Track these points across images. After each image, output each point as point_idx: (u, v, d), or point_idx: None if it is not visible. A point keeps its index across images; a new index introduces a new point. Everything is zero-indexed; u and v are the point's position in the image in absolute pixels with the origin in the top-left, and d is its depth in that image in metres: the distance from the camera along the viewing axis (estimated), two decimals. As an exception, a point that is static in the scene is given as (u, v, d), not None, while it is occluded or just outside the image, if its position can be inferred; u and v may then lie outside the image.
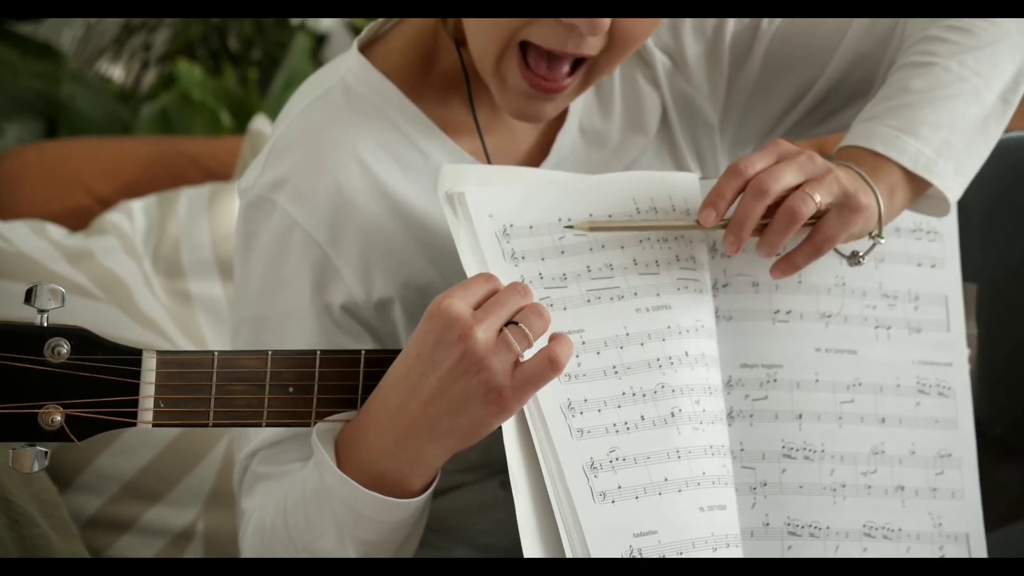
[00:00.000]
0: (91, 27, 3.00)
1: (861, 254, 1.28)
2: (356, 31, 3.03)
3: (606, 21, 1.21)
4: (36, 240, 1.87)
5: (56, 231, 1.90)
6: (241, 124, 2.43)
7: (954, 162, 1.28)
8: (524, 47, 1.25)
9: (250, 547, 1.30)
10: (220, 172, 2.03)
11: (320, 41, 3.07)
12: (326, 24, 3.13)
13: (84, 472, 1.79)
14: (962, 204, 1.35)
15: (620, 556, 1.18)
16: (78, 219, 1.95)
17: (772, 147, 1.24)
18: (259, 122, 2.04)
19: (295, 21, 2.97)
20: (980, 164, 1.31)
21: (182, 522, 1.81)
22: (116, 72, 3.01)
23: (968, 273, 1.37)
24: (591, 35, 1.22)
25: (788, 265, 1.24)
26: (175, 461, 1.81)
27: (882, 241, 1.26)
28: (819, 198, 1.21)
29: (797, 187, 1.21)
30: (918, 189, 1.28)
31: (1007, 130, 1.44)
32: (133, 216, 1.94)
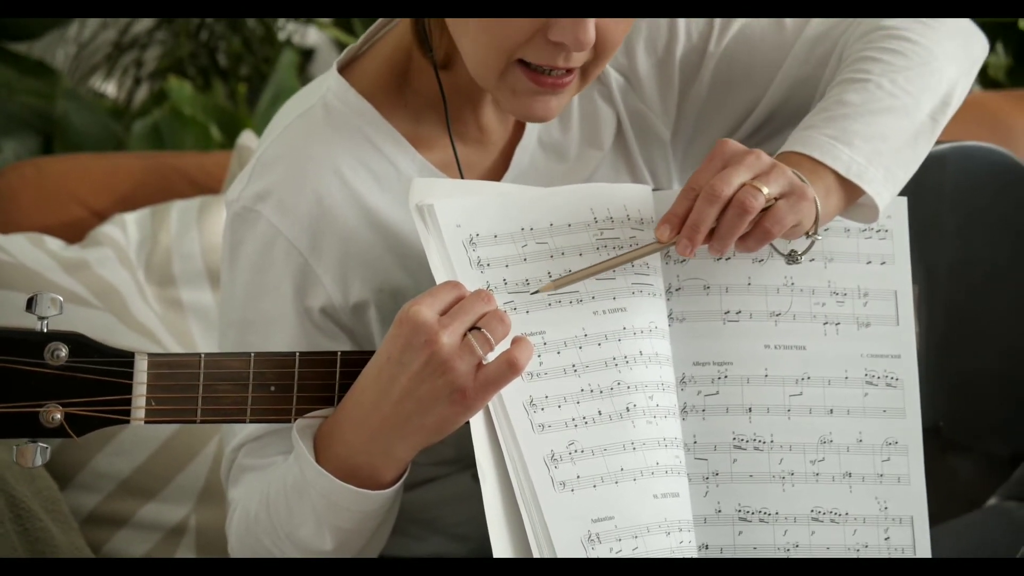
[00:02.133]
0: (84, 45, 3.04)
1: (800, 252, 1.33)
2: (340, 46, 3.08)
3: (591, 37, 1.27)
4: (35, 252, 1.90)
5: (54, 243, 1.93)
6: (230, 138, 2.45)
7: (884, 171, 1.33)
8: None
9: (236, 534, 1.36)
10: (209, 186, 2.06)
11: (306, 57, 3.11)
12: (312, 41, 3.19)
13: (82, 471, 1.83)
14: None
15: (579, 540, 1.24)
16: (74, 231, 1.98)
17: (718, 151, 1.29)
18: (246, 137, 2.07)
19: (281, 38, 3.02)
20: (909, 176, 1.36)
21: (175, 517, 1.84)
22: (109, 88, 3.05)
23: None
24: (578, 51, 1.29)
25: (742, 246, 1.28)
26: (168, 460, 1.85)
27: (819, 238, 1.31)
28: (767, 190, 1.26)
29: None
30: (851, 195, 1.34)
31: (948, 140, 1.52)
32: (127, 228, 1.97)
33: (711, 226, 1.26)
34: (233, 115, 2.54)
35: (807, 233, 1.31)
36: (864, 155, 1.33)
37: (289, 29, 3.17)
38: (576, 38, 1.27)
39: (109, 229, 1.97)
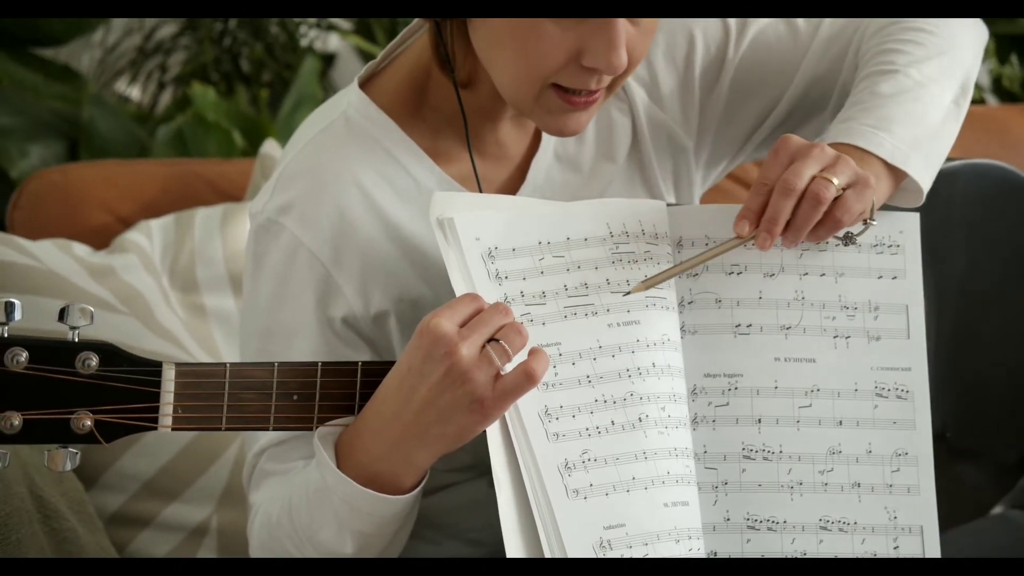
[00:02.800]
0: (109, 50, 3.08)
1: (856, 234, 1.36)
2: (361, 53, 3.12)
3: (624, 61, 1.31)
4: (63, 258, 1.92)
5: (81, 249, 1.95)
6: (253, 144, 2.49)
7: (924, 155, 1.38)
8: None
9: (258, 537, 1.39)
10: (232, 193, 2.09)
11: (327, 63, 3.15)
12: (333, 47, 3.23)
13: (107, 472, 1.86)
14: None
15: (591, 547, 1.27)
16: (101, 238, 2.00)
17: (782, 146, 1.32)
18: (269, 146, 2.10)
19: (303, 44, 3.05)
20: (943, 159, 1.41)
21: (197, 518, 1.87)
22: (134, 92, 3.08)
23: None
24: (612, 75, 1.33)
25: (813, 236, 1.32)
26: (191, 462, 1.87)
27: (874, 223, 1.35)
28: (837, 181, 1.30)
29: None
30: (896, 181, 1.38)
31: (960, 156, 1.55)
32: (152, 235, 1.99)
33: (788, 218, 1.30)
34: (256, 121, 2.57)
35: (865, 220, 1.35)
36: (905, 141, 1.37)
37: (311, 36, 3.21)
38: (610, 63, 1.31)
39: (134, 235, 1.99)
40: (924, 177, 1.38)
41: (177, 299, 1.97)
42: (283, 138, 2.55)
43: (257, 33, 3.03)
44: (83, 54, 3.06)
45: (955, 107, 1.43)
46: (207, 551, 1.87)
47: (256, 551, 1.40)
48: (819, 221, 1.31)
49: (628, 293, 1.32)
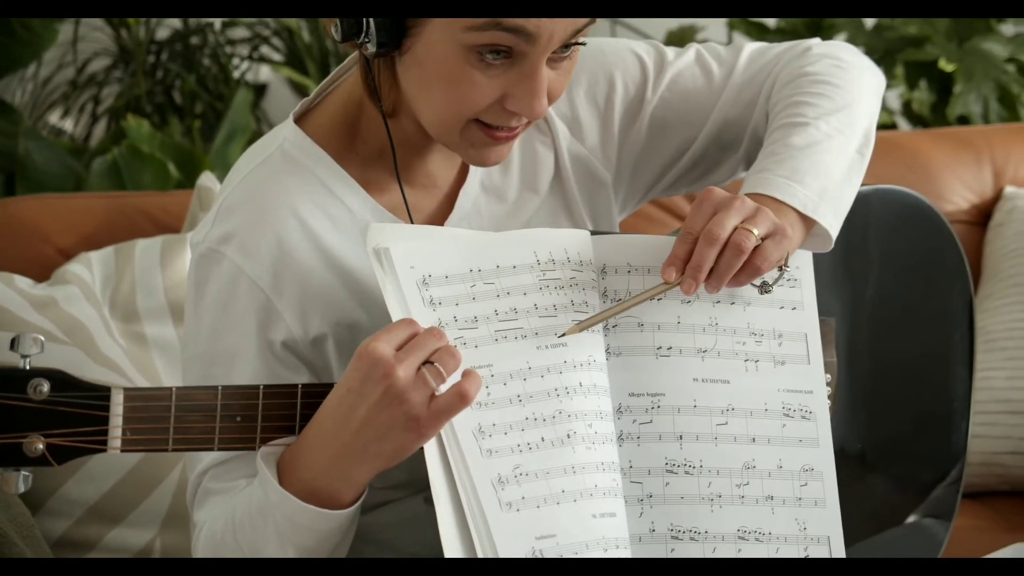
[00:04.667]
0: (43, 83, 3.10)
1: (771, 283, 1.43)
2: (293, 84, 3.17)
3: (546, 107, 1.38)
4: (5, 291, 1.93)
5: (23, 282, 1.97)
6: (187, 174, 2.52)
7: (832, 204, 1.46)
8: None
9: (203, 554, 1.41)
10: (171, 225, 2.11)
11: (260, 93, 3.18)
12: (264, 78, 3.27)
13: (52, 497, 1.88)
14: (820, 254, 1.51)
15: (524, 556, 1.31)
16: (42, 270, 2.02)
17: (706, 198, 1.39)
18: (206, 178, 2.12)
19: (236, 75, 3.09)
20: (849, 205, 1.48)
21: (141, 542, 1.90)
22: (67, 124, 3.10)
23: (827, 309, 1.52)
24: (534, 119, 1.40)
25: (734, 283, 1.39)
26: (134, 486, 1.90)
27: (788, 269, 1.42)
28: (757, 231, 1.37)
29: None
30: (807, 228, 1.46)
31: (872, 182, 1.63)
32: (92, 266, 2.01)
33: (711, 266, 1.37)
34: (190, 152, 2.59)
35: (779, 267, 1.42)
36: (815, 192, 1.45)
37: (243, 67, 3.25)
38: (532, 110, 1.38)
39: (75, 267, 2.01)
40: (832, 224, 1.46)
41: (118, 329, 1.99)
42: (217, 168, 2.58)
43: (189, 65, 3.07)
44: (16, 88, 3.08)
45: (859, 156, 1.51)
46: (150, 573, 1.90)
47: (201, 568, 1.44)
48: (740, 268, 1.38)
49: (563, 335, 1.37)
